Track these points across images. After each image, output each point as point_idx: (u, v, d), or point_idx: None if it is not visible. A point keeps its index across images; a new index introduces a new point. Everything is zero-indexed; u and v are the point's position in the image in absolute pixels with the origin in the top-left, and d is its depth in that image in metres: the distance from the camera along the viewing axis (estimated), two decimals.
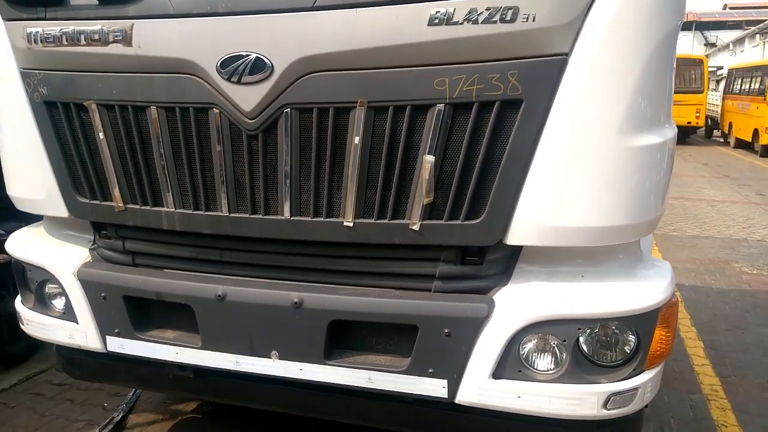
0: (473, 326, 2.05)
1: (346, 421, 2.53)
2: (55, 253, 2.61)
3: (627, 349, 2.06)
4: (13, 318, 4.14)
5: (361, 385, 2.19)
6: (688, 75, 23.01)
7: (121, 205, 2.38)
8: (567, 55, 1.84)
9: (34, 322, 2.69)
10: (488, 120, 1.92)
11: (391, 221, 2.08)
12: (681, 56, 27.23)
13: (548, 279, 2.10)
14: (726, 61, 36.45)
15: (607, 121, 1.88)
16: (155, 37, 2.15)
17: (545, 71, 1.86)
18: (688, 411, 3.70)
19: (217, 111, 2.13)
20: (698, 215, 9.82)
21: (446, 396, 2.12)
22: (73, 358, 2.76)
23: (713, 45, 51.94)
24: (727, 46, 42.77)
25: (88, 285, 2.48)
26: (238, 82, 2.06)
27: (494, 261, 2.12)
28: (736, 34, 42.63)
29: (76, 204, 2.48)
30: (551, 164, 1.91)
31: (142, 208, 2.37)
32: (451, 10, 1.85)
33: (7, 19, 2.39)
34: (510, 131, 1.92)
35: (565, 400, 2.03)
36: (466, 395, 2.10)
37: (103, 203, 2.43)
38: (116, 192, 2.37)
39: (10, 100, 2.48)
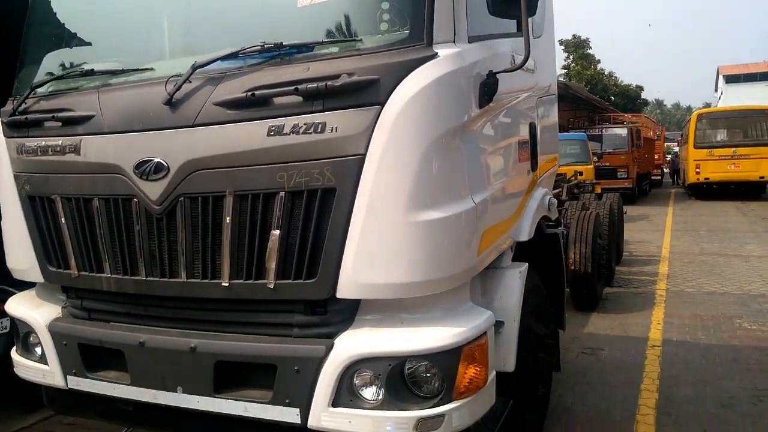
0: (314, 364, 2.57)
1: None
2: (36, 310, 3.37)
3: (432, 381, 2.51)
4: None
5: (240, 414, 2.73)
6: (755, 127, 21.81)
7: (75, 272, 3.13)
8: (364, 154, 2.44)
9: (21, 366, 3.43)
10: (314, 203, 2.53)
11: (255, 281, 2.68)
12: (743, 108, 25.94)
13: (376, 325, 2.61)
14: None
15: (395, 201, 2.43)
16: (95, 148, 2.94)
17: (350, 167, 2.46)
18: None
19: (136, 200, 2.86)
20: (725, 271, 9.66)
21: (299, 422, 2.62)
22: (51, 396, 3.47)
23: None
24: None
25: (55, 335, 3.20)
26: (147, 179, 2.78)
27: (336, 311, 2.65)
28: None
29: (48, 272, 3.25)
30: (360, 235, 2.47)
31: (90, 274, 3.09)
32: (281, 124, 2.52)
33: (8, 137, 3.29)
34: (330, 211, 2.51)
35: (384, 423, 2.49)
36: (313, 421, 2.60)
37: (64, 271, 3.18)
38: (72, 262, 3.12)
39: (9, 196, 3.33)
